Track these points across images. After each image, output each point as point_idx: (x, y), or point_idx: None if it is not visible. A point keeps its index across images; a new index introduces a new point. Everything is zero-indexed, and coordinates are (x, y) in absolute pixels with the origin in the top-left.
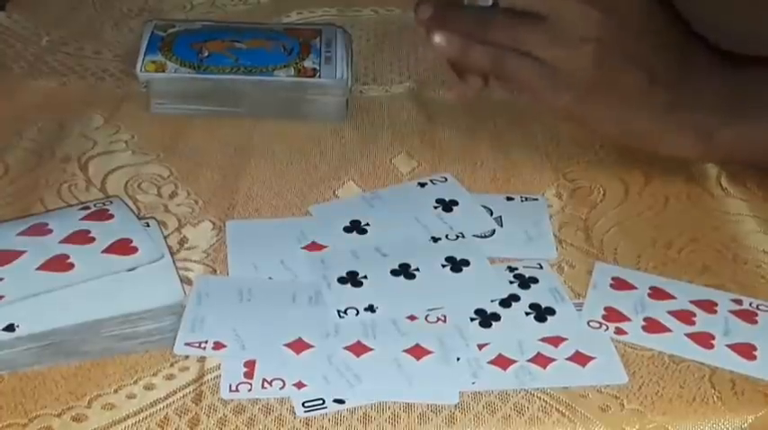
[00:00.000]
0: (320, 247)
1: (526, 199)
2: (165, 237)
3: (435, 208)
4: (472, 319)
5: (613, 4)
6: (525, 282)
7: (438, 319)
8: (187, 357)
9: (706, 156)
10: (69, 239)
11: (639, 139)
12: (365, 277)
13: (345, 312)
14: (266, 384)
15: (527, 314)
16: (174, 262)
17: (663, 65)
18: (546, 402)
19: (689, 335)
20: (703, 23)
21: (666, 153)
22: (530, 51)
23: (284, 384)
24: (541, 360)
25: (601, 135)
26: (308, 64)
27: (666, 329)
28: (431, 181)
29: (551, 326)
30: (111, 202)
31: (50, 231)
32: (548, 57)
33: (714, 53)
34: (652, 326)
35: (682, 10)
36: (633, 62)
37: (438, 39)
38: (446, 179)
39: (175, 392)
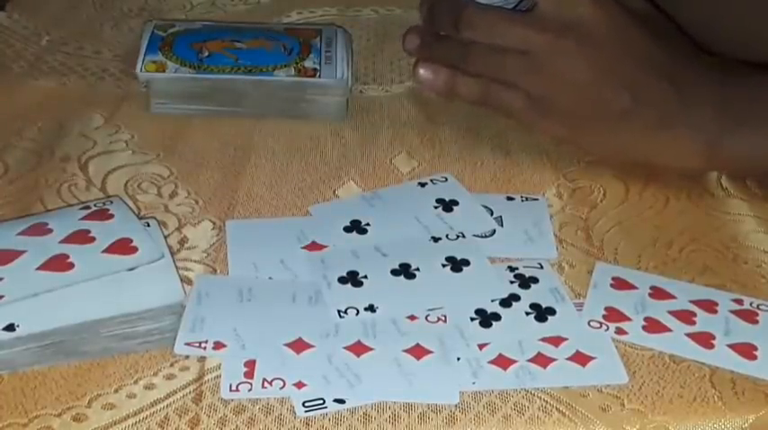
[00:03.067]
0: (320, 247)
1: (526, 199)
2: (166, 237)
3: (435, 208)
4: (472, 319)
5: (589, 32)
6: (525, 282)
7: (438, 319)
8: (187, 357)
9: (710, 166)
10: (69, 239)
11: (636, 157)
12: (365, 277)
13: (345, 312)
14: (266, 384)
15: (527, 314)
16: (174, 262)
17: (646, 83)
18: (546, 402)
19: (689, 335)
20: (701, 25)
21: (669, 167)
22: (513, 82)
23: (284, 384)
24: (542, 360)
25: (597, 156)
26: (308, 64)
27: (667, 329)
28: (431, 181)
29: (552, 325)
30: (112, 202)
31: (50, 231)
32: (530, 88)
33: (707, 63)
34: (652, 325)
35: (678, 11)
36: (614, 85)
37: (423, 72)
38: (446, 179)
39: (176, 392)
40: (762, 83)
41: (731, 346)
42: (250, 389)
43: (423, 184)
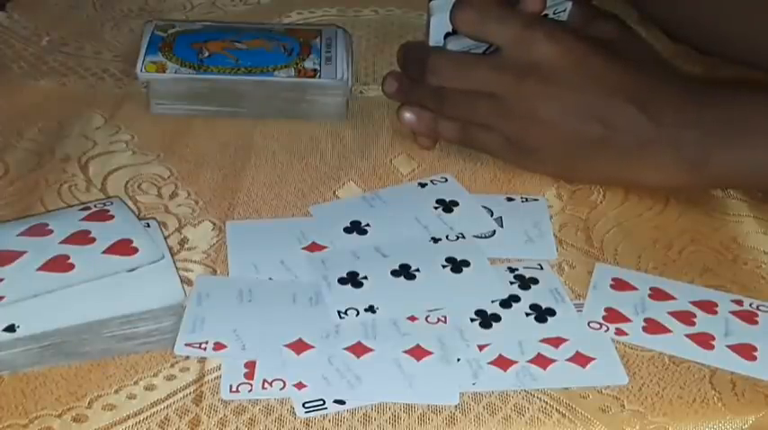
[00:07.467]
0: (320, 248)
1: (527, 199)
2: (166, 238)
3: (436, 208)
4: (472, 320)
5: (548, 70)
6: (525, 283)
7: (438, 320)
8: (187, 358)
9: (697, 184)
10: (70, 240)
11: (620, 181)
12: (365, 278)
13: (346, 313)
14: (267, 385)
15: (527, 315)
16: (174, 262)
17: (614, 109)
18: (546, 403)
19: (689, 336)
20: (701, 26)
21: (654, 186)
22: (488, 124)
23: (285, 385)
24: (542, 361)
25: (583, 183)
26: (308, 64)
27: (667, 330)
28: (431, 181)
29: (552, 326)
30: (112, 203)
31: (51, 232)
32: (503, 129)
33: (686, 82)
34: (652, 326)
35: (678, 14)
36: (582, 117)
37: (408, 116)
38: (446, 179)
39: (176, 393)
40: (744, 100)
41: (731, 347)
42: (250, 390)
43: (423, 185)
